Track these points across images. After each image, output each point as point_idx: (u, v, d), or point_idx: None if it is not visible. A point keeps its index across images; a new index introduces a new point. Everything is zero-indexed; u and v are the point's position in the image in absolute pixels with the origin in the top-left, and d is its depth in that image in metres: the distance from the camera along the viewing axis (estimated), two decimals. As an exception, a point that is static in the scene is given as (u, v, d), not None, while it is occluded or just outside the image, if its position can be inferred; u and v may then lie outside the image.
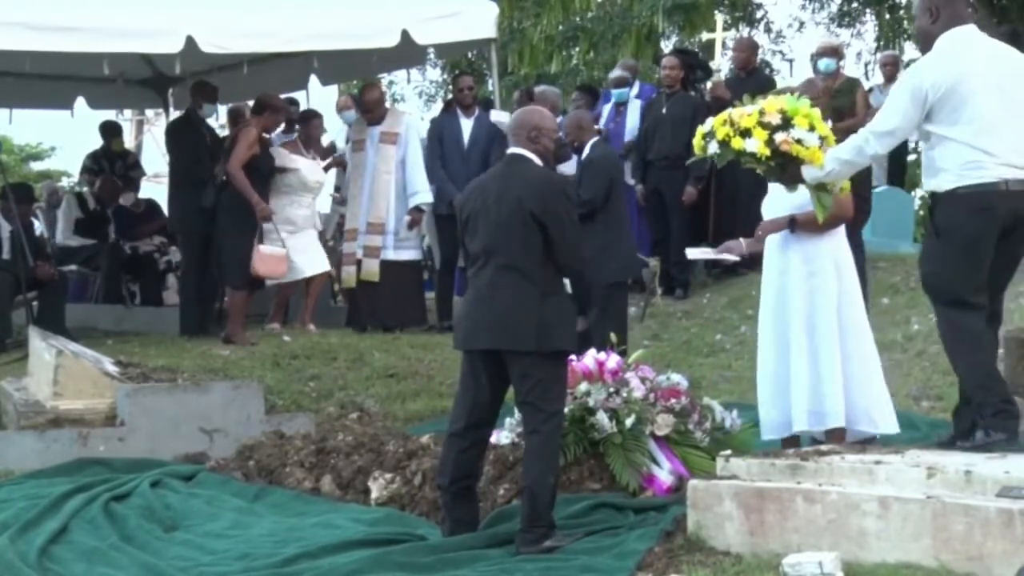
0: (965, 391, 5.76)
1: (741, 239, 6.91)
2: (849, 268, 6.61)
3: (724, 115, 5.89)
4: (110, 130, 13.73)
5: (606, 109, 12.06)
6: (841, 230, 6.61)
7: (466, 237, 5.95)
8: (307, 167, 10.52)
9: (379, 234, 10.83)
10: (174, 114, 12.71)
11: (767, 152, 5.75)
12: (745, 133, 5.80)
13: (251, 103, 13.23)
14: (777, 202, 6.64)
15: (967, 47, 5.66)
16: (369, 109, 11.05)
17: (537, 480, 5.66)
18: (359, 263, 10.75)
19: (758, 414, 6.93)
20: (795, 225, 6.54)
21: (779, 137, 5.76)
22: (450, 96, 12.59)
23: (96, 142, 13.57)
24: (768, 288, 6.72)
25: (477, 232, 5.84)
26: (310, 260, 10.47)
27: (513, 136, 5.96)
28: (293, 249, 10.21)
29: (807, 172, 5.87)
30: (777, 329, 6.62)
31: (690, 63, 11.93)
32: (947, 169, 5.60)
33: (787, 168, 5.83)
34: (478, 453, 5.98)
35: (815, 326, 6.48)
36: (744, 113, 5.82)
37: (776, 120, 5.79)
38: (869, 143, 5.75)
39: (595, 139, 8.99)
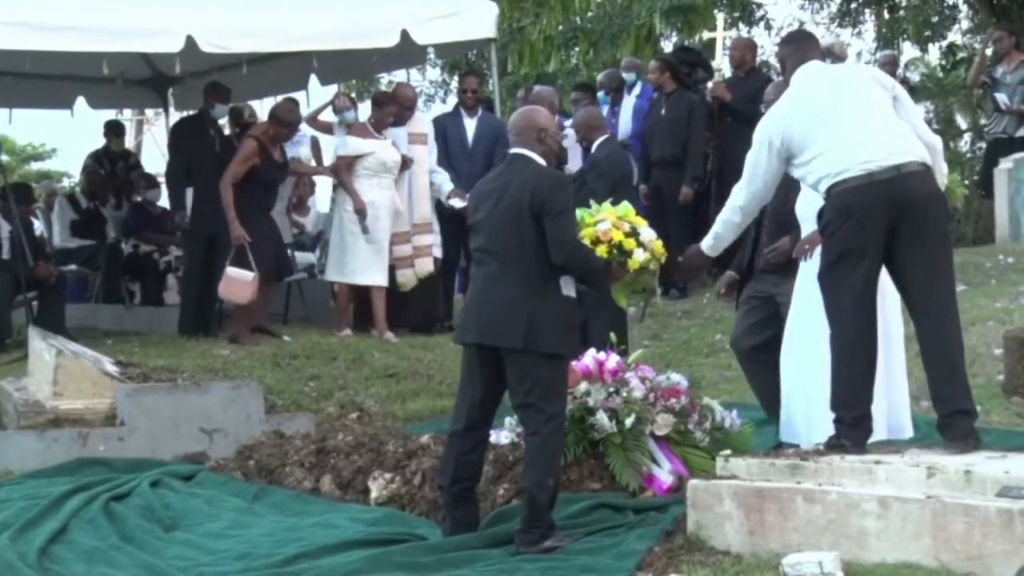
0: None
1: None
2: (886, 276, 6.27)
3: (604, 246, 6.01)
4: (112, 129, 13.71)
5: (603, 110, 12.07)
6: None
7: (471, 236, 5.99)
8: (382, 148, 10.46)
9: (428, 233, 10.77)
10: (174, 114, 12.71)
11: (660, 250, 6.09)
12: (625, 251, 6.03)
13: (251, 103, 13.30)
14: (809, 202, 6.55)
15: (806, 85, 5.91)
16: (409, 107, 10.96)
17: (537, 482, 5.65)
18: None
19: (763, 413, 6.95)
20: None
21: (645, 237, 6.05)
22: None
23: (97, 142, 13.57)
24: (801, 295, 6.54)
25: (480, 230, 5.86)
26: (362, 271, 10.42)
27: (519, 137, 5.91)
28: (356, 251, 10.29)
29: (705, 247, 6.20)
30: (809, 338, 6.41)
31: (690, 61, 11.91)
32: (822, 177, 5.74)
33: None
34: (479, 455, 5.98)
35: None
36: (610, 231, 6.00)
37: (626, 227, 6.03)
38: (735, 212, 6.06)
39: (603, 137, 9.03)
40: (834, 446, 5.64)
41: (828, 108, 5.78)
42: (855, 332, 5.69)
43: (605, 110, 12.02)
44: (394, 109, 10.74)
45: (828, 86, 5.86)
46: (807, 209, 6.53)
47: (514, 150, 5.92)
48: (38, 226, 13.04)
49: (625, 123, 11.80)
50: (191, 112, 11.80)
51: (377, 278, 10.47)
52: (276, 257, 10.45)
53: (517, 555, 5.60)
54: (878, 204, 5.59)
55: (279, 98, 12.20)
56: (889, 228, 5.62)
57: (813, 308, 6.30)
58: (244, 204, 10.03)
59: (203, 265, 10.54)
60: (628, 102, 11.95)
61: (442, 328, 10.78)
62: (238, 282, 9.83)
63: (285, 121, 10.43)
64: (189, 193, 10.65)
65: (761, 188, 6.01)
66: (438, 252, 10.89)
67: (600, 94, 12.35)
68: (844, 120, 5.73)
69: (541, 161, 5.86)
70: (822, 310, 6.10)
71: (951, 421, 5.61)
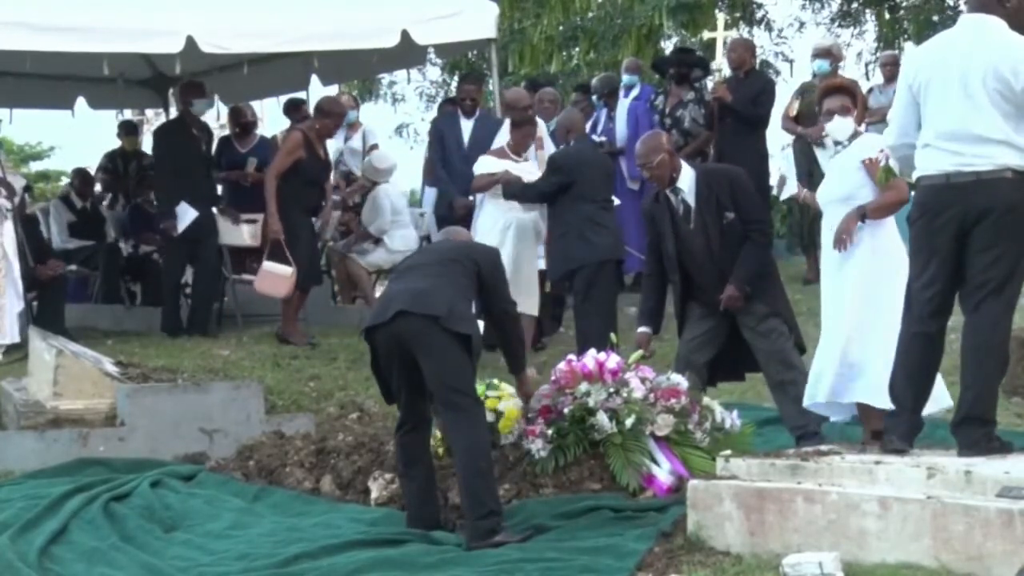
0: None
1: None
2: (887, 249, 6.47)
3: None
4: (123, 129, 13.64)
5: (601, 116, 12.01)
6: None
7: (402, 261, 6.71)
8: (519, 170, 9.63)
9: None
10: (174, 115, 12.70)
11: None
12: None
13: (253, 103, 13.29)
14: (830, 188, 6.64)
15: (949, 36, 5.76)
16: (551, 102, 10.17)
17: (467, 467, 5.89)
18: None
19: (763, 413, 6.97)
20: (866, 215, 6.49)
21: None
22: (451, 96, 12.47)
23: (96, 142, 13.58)
24: (827, 274, 6.71)
25: (417, 255, 6.63)
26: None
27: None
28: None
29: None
30: (825, 314, 6.64)
31: (688, 62, 11.87)
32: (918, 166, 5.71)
33: None
34: (422, 435, 6.25)
35: (842, 310, 6.46)
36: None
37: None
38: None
39: (574, 140, 9.28)
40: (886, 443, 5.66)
41: (934, 96, 5.59)
42: (911, 327, 5.67)
43: (602, 115, 11.97)
44: (533, 130, 9.89)
45: (942, 75, 5.57)
46: (826, 194, 6.59)
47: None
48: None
49: (621, 128, 11.66)
50: (171, 117, 11.74)
51: (528, 305, 9.29)
52: (309, 263, 10.18)
53: (468, 550, 5.71)
54: (950, 208, 5.51)
55: (281, 98, 12.21)
56: (961, 232, 5.52)
57: (836, 287, 6.49)
58: (285, 200, 9.93)
59: (184, 266, 10.48)
60: (623, 105, 11.84)
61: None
62: (275, 276, 9.80)
63: (328, 111, 10.27)
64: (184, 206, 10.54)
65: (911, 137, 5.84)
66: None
67: (593, 99, 12.26)
68: (943, 114, 5.56)
69: None
70: (842, 289, 6.39)
71: (958, 428, 5.58)
